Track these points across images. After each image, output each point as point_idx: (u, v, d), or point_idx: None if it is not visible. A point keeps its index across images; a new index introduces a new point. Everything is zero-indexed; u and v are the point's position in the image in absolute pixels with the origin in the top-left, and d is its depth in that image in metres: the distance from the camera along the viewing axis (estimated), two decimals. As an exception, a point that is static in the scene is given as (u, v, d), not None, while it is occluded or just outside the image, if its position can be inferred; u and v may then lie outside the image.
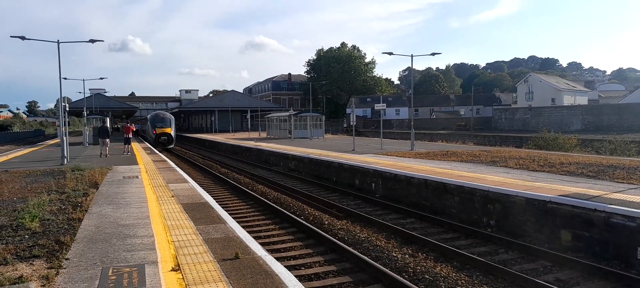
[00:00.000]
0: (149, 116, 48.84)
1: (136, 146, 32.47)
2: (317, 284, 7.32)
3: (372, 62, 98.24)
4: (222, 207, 10.36)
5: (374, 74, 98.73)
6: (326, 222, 10.98)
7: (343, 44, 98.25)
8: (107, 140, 24.10)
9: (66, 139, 20.26)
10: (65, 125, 21.09)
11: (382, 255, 8.48)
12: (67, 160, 19.52)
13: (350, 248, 8.61)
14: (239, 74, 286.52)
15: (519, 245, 9.09)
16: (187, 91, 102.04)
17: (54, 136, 61.47)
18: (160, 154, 25.79)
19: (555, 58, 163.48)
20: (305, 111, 51.24)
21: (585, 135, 38.19)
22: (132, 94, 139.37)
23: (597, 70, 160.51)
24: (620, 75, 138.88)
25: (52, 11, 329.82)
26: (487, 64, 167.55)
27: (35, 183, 13.00)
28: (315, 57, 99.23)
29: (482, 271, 7.77)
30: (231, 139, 43.45)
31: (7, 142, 58.42)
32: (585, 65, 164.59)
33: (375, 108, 27.65)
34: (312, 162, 21.05)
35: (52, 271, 5.49)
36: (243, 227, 8.59)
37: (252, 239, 7.18)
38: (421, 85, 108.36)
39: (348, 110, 75.63)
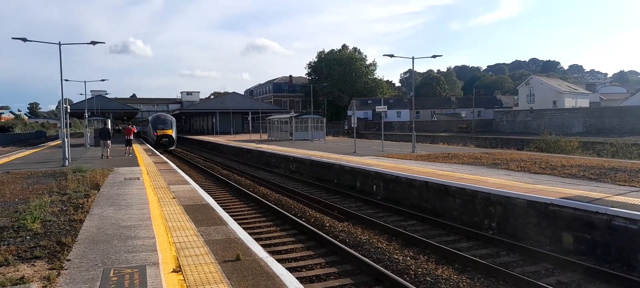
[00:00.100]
0: (150, 118, 48.88)
1: (137, 148, 32.49)
2: (318, 286, 7.32)
3: (373, 64, 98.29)
4: (223, 209, 10.37)
5: (375, 76, 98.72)
6: (327, 224, 10.97)
7: (344, 46, 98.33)
8: (109, 141, 24.12)
9: (67, 140, 20.29)
10: (66, 126, 21.13)
11: (384, 257, 8.47)
12: (68, 162, 19.53)
13: (351, 250, 8.60)
14: (240, 76, 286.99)
15: (521, 247, 9.07)
16: (188, 93, 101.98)
17: (56, 138, 61.52)
18: (161, 156, 25.81)
19: (557, 60, 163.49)
20: (306, 113, 51.26)
21: (587, 138, 38.14)
22: (134, 95, 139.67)
23: (598, 72, 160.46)
24: (622, 77, 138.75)
25: (53, 12, 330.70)
26: (488, 66, 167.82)
27: (37, 185, 13.01)
28: (316, 59, 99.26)
29: (483, 273, 7.75)
30: (232, 140, 43.47)
31: (9, 144, 58.50)
32: (587, 68, 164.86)
33: (376, 110, 27.63)
34: (313, 164, 21.04)
35: (54, 272, 5.49)
36: (244, 228, 8.58)
37: (253, 241, 7.18)
38: (422, 88, 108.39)
39: (349, 113, 75.59)
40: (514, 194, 10.27)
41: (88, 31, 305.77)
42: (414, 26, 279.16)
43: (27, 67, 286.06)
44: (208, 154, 38.17)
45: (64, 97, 21.42)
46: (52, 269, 5.62)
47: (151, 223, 8.21)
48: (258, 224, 11.46)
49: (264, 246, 7.82)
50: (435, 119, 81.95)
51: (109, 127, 31.51)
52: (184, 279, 5.34)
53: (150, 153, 27.96)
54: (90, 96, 55.36)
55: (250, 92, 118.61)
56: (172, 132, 40.92)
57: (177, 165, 21.84)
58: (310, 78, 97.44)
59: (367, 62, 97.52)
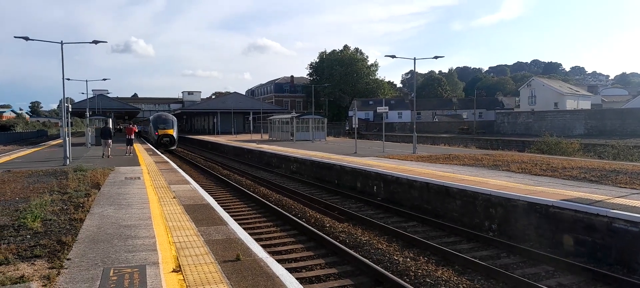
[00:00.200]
0: (151, 117, 48.93)
1: (138, 147, 32.53)
2: (318, 287, 7.31)
3: (375, 65, 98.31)
4: (224, 209, 10.37)
5: (376, 77, 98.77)
6: (328, 225, 10.97)
7: (346, 47, 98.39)
8: (110, 141, 24.15)
9: (69, 139, 20.32)
10: (67, 125, 21.15)
11: (384, 258, 8.46)
12: (69, 161, 19.55)
13: (351, 251, 8.60)
14: (241, 76, 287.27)
15: (521, 249, 9.05)
16: (189, 93, 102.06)
17: (57, 137, 61.65)
18: (162, 155, 25.83)
19: (559, 62, 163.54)
20: (308, 113, 51.20)
21: (588, 140, 38.11)
22: (135, 95, 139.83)
23: (600, 74, 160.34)
24: (624, 79, 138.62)
25: (55, 12, 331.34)
26: (489, 67, 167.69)
27: (38, 184, 13.03)
28: (317, 60, 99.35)
29: (483, 275, 7.74)
30: (233, 140, 43.49)
31: (10, 143, 58.61)
32: (589, 70, 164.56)
33: (378, 111, 27.62)
34: (314, 165, 21.04)
35: (54, 271, 5.49)
36: (244, 228, 8.58)
37: (254, 241, 7.18)
38: (424, 89, 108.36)
39: (350, 113, 75.53)
40: (514, 196, 10.26)
41: (90, 31, 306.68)
42: (416, 27, 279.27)
43: (29, 66, 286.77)
44: (209, 154, 38.19)
45: (66, 96, 21.43)
46: (52, 268, 5.63)
47: (151, 222, 8.21)
48: (258, 224, 11.46)
49: (264, 246, 7.83)
50: (437, 120, 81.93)
51: (110, 126, 31.57)
52: (184, 279, 5.34)
53: (151, 152, 27.99)
54: (91, 95, 55.47)
55: (251, 92, 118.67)
56: (174, 132, 40.96)
57: (177, 165, 21.86)
58: (311, 78, 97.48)
59: (369, 63, 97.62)
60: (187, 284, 5.18)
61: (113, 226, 7.90)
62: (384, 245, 9.33)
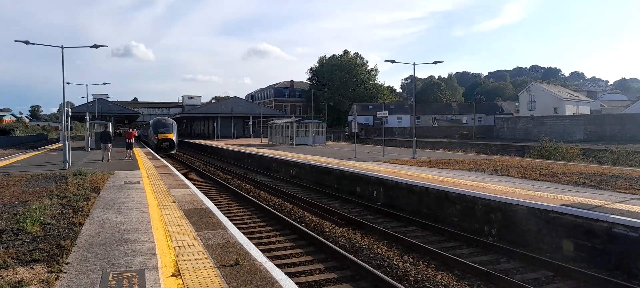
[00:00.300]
0: (151, 121, 48.94)
1: (138, 151, 32.53)
2: (318, 291, 7.30)
3: (375, 70, 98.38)
4: (223, 213, 10.37)
5: (376, 82, 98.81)
6: (327, 229, 10.96)
7: (345, 52, 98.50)
8: (109, 145, 24.15)
9: (68, 143, 20.33)
10: (67, 129, 21.16)
11: (383, 263, 8.45)
12: (69, 165, 19.55)
13: (351, 256, 8.59)
14: (241, 81, 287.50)
15: (521, 254, 9.05)
16: (189, 97, 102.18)
17: (57, 140, 61.64)
18: (162, 160, 25.84)
19: (558, 67, 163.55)
20: (307, 118, 51.27)
21: (588, 145, 38.12)
22: (135, 99, 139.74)
23: (599, 80, 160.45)
24: (623, 85, 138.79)
25: (56, 17, 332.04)
26: (489, 72, 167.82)
27: (37, 188, 13.02)
28: (317, 64, 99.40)
29: (483, 280, 7.74)
30: (233, 145, 43.51)
31: (10, 146, 58.55)
32: (588, 75, 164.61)
33: (377, 116, 27.63)
34: (313, 169, 21.04)
35: (53, 275, 5.48)
36: (244, 233, 8.58)
37: (253, 245, 7.17)
38: (423, 94, 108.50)
39: (350, 118, 75.64)
40: (514, 201, 10.26)
41: (91, 35, 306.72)
42: (416, 32, 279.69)
43: (29, 70, 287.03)
44: (209, 158, 38.18)
45: (66, 100, 21.47)
46: (51, 272, 5.62)
47: (151, 227, 8.20)
48: (258, 229, 11.45)
49: (263, 251, 7.82)
50: (436, 124, 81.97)
51: (110, 130, 31.58)
52: (183, 283, 5.33)
53: (151, 157, 27.98)
54: (91, 99, 55.51)
55: (251, 97, 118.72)
56: (173, 136, 40.96)
57: (177, 169, 21.84)
58: (311, 83, 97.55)
59: (369, 68, 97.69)
60: (186, 288, 5.17)
61: (112, 230, 7.89)
62: (384, 250, 9.32)
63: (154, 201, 11.01)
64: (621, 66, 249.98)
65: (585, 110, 70.37)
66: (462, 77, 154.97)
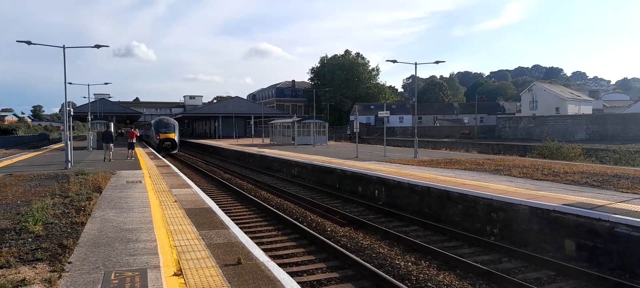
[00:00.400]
0: (153, 121, 49.04)
1: (140, 151, 32.57)
2: (319, 291, 7.30)
3: (376, 70, 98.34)
4: (225, 213, 10.37)
5: (377, 82, 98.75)
6: (329, 229, 10.96)
7: (347, 51, 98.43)
8: (111, 145, 24.18)
9: (70, 143, 20.37)
10: (69, 129, 21.21)
11: (385, 262, 8.45)
12: (71, 165, 19.59)
13: (352, 255, 8.58)
14: (242, 80, 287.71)
15: (523, 254, 9.04)
16: (191, 97, 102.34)
17: (59, 140, 61.73)
18: (163, 159, 25.87)
19: (560, 67, 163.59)
20: (309, 118, 51.26)
21: (590, 145, 38.04)
22: (137, 99, 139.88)
23: (601, 79, 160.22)
24: (625, 85, 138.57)
25: (56, 17, 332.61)
26: (491, 72, 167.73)
27: (39, 187, 13.05)
28: (319, 64, 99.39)
29: (485, 280, 7.73)
30: (234, 144, 43.53)
31: (12, 146, 58.66)
32: (590, 75, 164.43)
33: (379, 115, 27.60)
34: (315, 169, 21.04)
35: (55, 274, 5.50)
36: (246, 232, 8.59)
37: (255, 245, 7.18)
38: (425, 93, 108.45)
39: (351, 117, 75.56)
40: (516, 200, 10.25)
41: (92, 35, 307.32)
42: (417, 32, 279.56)
43: (31, 71, 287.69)
44: (210, 158, 38.20)
45: (68, 100, 21.51)
46: (54, 271, 5.63)
47: (153, 226, 8.22)
48: (259, 228, 11.45)
49: (265, 250, 7.82)
50: (438, 124, 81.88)
51: (112, 130, 31.62)
52: (185, 283, 5.34)
53: (153, 156, 28.02)
54: (93, 99, 55.59)
55: (253, 97, 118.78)
56: (175, 136, 41.01)
57: (179, 169, 21.87)
58: (313, 83, 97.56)
59: (370, 67, 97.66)
60: (188, 288, 5.18)
61: (114, 230, 7.90)
62: (386, 250, 9.32)
63: (156, 201, 11.02)
64: (623, 66, 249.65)
65: (587, 109, 70.23)
66: (464, 77, 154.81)
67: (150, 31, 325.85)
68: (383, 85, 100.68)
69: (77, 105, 62.23)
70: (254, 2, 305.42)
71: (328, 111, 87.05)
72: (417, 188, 13.52)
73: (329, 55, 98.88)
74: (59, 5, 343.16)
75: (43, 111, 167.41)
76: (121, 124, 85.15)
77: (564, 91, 75.66)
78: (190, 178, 17.66)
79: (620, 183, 12.29)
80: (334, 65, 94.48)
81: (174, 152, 40.33)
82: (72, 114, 21.87)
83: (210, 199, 11.74)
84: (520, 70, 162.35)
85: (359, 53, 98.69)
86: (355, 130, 27.16)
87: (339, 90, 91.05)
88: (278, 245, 9.87)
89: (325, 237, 10.02)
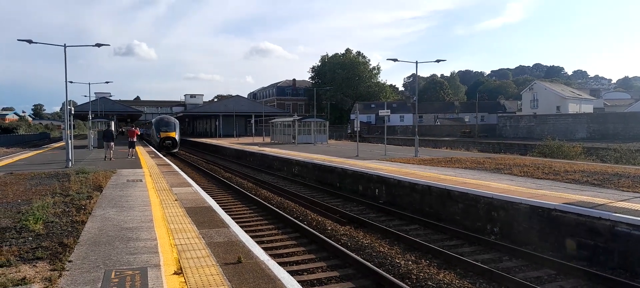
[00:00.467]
0: (153, 120, 49.07)
1: (140, 150, 32.58)
2: (320, 290, 7.29)
3: (377, 68, 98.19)
4: (226, 211, 10.37)
5: (378, 80, 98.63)
6: (329, 228, 10.96)
7: (347, 50, 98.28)
8: (112, 143, 24.19)
9: (71, 142, 20.37)
10: (70, 128, 21.22)
11: (386, 261, 8.45)
12: (71, 163, 19.60)
13: (353, 254, 8.58)
14: (243, 79, 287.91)
15: (523, 252, 9.03)
16: (192, 96, 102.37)
17: (59, 139, 61.75)
18: (164, 158, 25.87)
19: (561, 66, 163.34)
20: (310, 116, 51.23)
21: (591, 144, 37.99)
22: (137, 98, 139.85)
23: (602, 78, 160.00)
24: (626, 83, 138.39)
25: (57, 16, 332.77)
26: (491, 71, 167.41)
27: (40, 186, 13.05)
28: (319, 63, 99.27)
29: (485, 278, 7.72)
30: (235, 143, 43.53)
31: (13, 145, 58.70)
32: (591, 74, 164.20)
33: (380, 114, 27.64)
34: (315, 168, 21.04)
35: (55, 273, 5.50)
36: (246, 231, 8.59)
37: (255, 244, 7.18)
38: (426, 92, 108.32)
39: (352, 116, 75.56)
40: (516, 199, 10.24)
41: (92, 35, 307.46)
42: (418, 31, 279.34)
43: (32, 70, 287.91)
44: (211, 157, 38.21)
45: (68, 99, 21.51)
46: (54, 270, 5.63)
47: (153, 225, 8.22)
48: (260, 227, 11.45)
49: (265, 249, 7.82)
50: (439, 123, 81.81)
51: (113, 129, 31.65)
52: (185, 281, 5.34)
53: (153, 155, 28.03)
54: (94, 98, 55.60)
55: (253, 96, 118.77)
56: (176, 135, 41.02)
57: (179, 168, 21.87)
58: (313, 82, 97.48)
59: (371, 66, 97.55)
60: (189, 287, 5.18)
61: (115, 228, 7.91)
62: (386, 248, 9.32)
63: (156, 199, 11.02)
64: (624, 64, 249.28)
65: (588, 108, 70.15)
66: (465, 76, 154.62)
67: (151, 31, 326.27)
68: (384, 84, 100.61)
69: (78, 104, 62.28)
70: (255, 1, 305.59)
71: (329, 110, 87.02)
72: (418, 187, 13.51)
73: (330, 54, 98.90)
74: (59, 5, 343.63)
75: (44, 110, 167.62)
76: (122, 123, 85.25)
77: (564, 90, 75.55)
78: (190, 177, 17.66)
79: (621, 182, 12.27)
80: (335, 64, 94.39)
81: (175, 150, 40.33)
82: (72, 112, 21.86)
83: (210, 198, 11.74)
84: (521, 69, 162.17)
85: (359, 52, 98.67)
86: (355, 129, 27.17)
87: (340, 89, 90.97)
88: (278, 244, 9.87)
89: (325, 236, 10.02)
